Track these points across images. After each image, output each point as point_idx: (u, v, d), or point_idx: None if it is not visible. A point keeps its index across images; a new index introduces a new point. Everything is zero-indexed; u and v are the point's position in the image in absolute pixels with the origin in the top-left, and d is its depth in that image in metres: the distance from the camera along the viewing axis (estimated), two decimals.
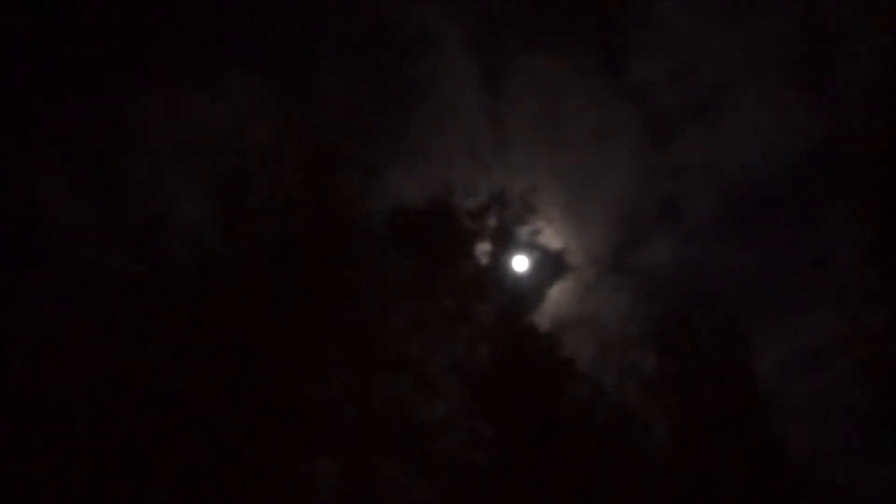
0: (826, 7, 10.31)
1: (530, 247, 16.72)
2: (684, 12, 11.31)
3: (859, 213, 10.91)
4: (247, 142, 12.39)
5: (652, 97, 12.51)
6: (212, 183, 12.03)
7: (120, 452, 10.45)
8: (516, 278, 16.59)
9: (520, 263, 16.52)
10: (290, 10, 12.51)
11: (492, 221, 15.86)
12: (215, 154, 12.16)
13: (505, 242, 16.07)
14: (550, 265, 17.90)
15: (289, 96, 12.90)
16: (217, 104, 12.18)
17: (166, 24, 11.40)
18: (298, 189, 12.55)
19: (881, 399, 10.58)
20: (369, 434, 12.71)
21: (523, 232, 16.43)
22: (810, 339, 11.64)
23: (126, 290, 10.83)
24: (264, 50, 12.57)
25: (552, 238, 17.74)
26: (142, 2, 11.32)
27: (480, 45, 13.34)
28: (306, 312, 12.24)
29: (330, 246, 12.73)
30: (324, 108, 13.29)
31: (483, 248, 15.85)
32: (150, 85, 11.78)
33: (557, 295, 18.53)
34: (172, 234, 11.65)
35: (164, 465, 10.56)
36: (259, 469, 11.07)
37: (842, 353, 11.00)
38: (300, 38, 13.16)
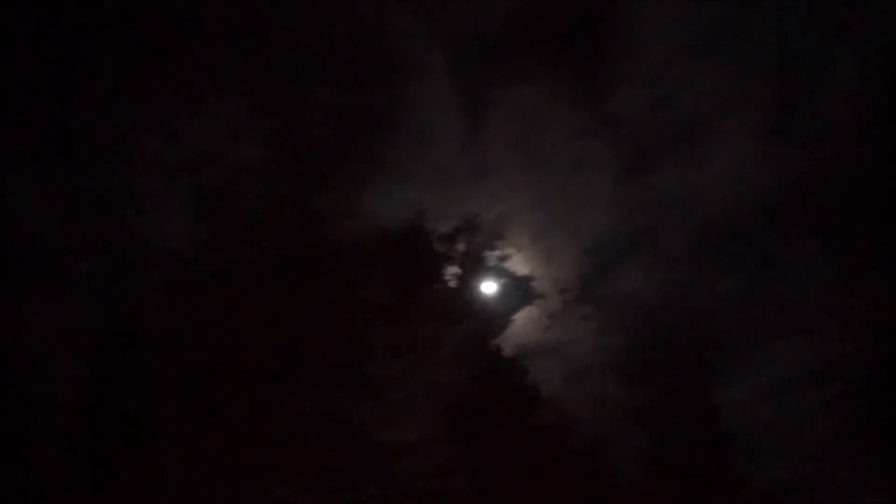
0: (802, 45, 10.83)
1: (499, 273, 16.84)
2: (664, 45, 11.72)
3: (831, 248, 11.42)
4: (231, 160, 12.13)
5: (630, 128, 12.85)
6: (192, 201, 11.72)
7: (78, 474, 9.95)
8: (484, 303, 16.70)
9: (488, 289, 16.61)
10: (277, 30, 12.39)
11: (462, 246, 16.01)
12: (195, 170, 11.86)
13: (474, 267, 16.21)
14: (518, 292, 18.00)
15: (273, 116, 12.78)
16: (202, 121, 11.87)
17: (155, 37, 11.08)
18: (281, 209, 12.38)
19: (850, 432, 10.99)
20: (339, 459, 12.47)
21: (492, 257, 16.56)
22: (781, 370, 12.01)
23: (101, 307, 10.36)
24: (249, 69, 12.39)
25: (521, 265, 17.86)
26: (130, 15, 10.96)
27: (461, 71, 13.45)
28: (282, 333, 12.02)
29: (308, 266, 12.60)
30: (306, 125, 13.20)
31: (453, 272, 15.94)
32: (134, 99, 11.38)
33: (523, 322, 18.60)
34: (151, 251, 11.26)
35: (124, 489, 10.07)
36: (223, 498, 10.69)
37: (812, 385, 11.41)
38: (285, 58, 13.03)
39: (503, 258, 17.32)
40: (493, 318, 17.07)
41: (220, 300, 10.93)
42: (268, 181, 12.41)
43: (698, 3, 11.29)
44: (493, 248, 16.36)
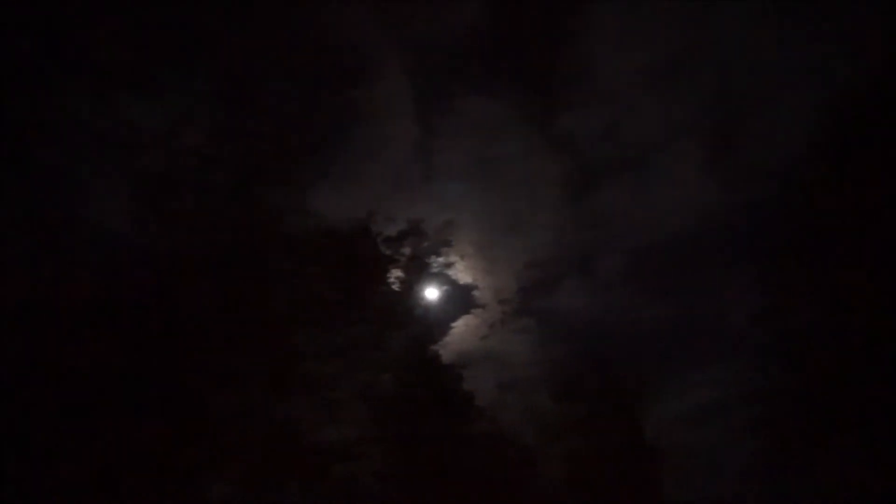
0: (745, 84, 11.45)
1: (442, 279, 17.00)
2: (617, 73, 12.19)
3: (758, 280, 12.03)
4: (177, 145, 11.79)
5: (578, 150, 13.27)
6: (135, 183, 11.33)
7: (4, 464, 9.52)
8: (426, 309, 16.80)
9: (430, 294, 16.75)
10: (236, 18, 12.15)
11: (407, 250, 16.08)
12: (141, 153, 11.49)
13: (418, 272, 16.30)
14: (460, 299, 18.22)
15: (224, 104, 12.49)
16: (146, 101, 11.50)
17: (109, 15, 10.73)
18: (224, 199, 12.09)
19: (768, 456, 11.59)
20: (269, 457, 12.30)
21: (437, 264, 16.71)
22: (705, 394, 12.60)
23: (32, 290, 9.91)
24: (203, 54, 12.09)
25: (464, 273, 18.10)
26: None
27: (418, 78, 13.60)
28: (219, 325, 11.77)
29: (252, 260, 12.34)
30: (258, 118, 12.98)
31: (397, 276, 15.98)
32: (75, 76, 10.94)
33: (463, 330, 18.84)
34: (87, 233, 10.82)
35: (48, 483, 9.70)
36: (151, 492, 10.37)
37: (734, 409, 11.99)
38: (242, 45, 12.80)
39: (447, 265, 17.51)
40: (434, 323, 17.21)
41: (155, 286, 10.57)
42: (213, 170, 12.04)
43: (651, 35, 11.76)
44: (438, 255, 16.51)
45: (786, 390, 11.43)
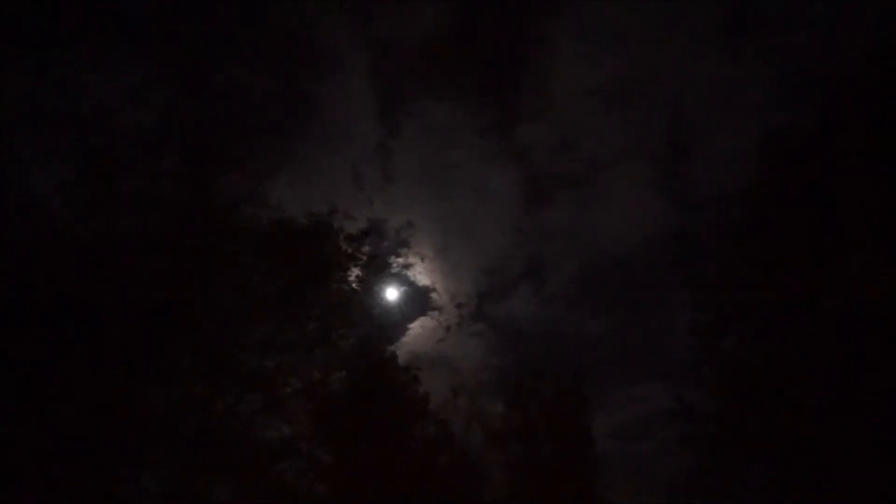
0: (692, 110, 11.56)
1: (400, 280, 16.95)
2: (573, 91, 12.25)
3: (695, 302, 12.18)
4: (124, 122, 11.52)
5: (532, 162, 13.33)
6: (77, 159, 11.05)
7: None
8: (382, 308, 16.71)
9: (388, 294, 16.68)
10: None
11: (366, 249, 15.99)
12: (86, 128, 11.22)
13: (376, 272, 16.22)
14: (417, 301, 18.19)
15: (179, 83, 12.23)
16: (96, 75, 11.23)
17: None
18: (175, 182, 11.84)
19: (695, 469, 11.79)
20: (203, 451, 12.08)
21: (395, 264, 16.66)
22: (641, 407, 12.78)
23: None
24: (161, 28, 11.84)
25: (421, 275, 18.06)
26: None
27: (384, 79, 13.54)
28: (159, 312, 11.51)
29: (199, 247, 12.08)
30: (215, 103, 12.78)
31: (354, 274, 15.87)
32: (16, 43, 10.67)
33: (419, 331, 18.81)
34: (22, 206, 10.53)
35: None
36: (72, 481, 10.12)
37: (666, 424, 12.18)
38: (203, 27, 12.60)
39: (406, 266, 17.46)
40: (390, 324, 17.12)
41: (93, 269, 10.31)
42: (163, 151, 11.77)
43: (608, 56, 11.80)
44: (397, 255, 16.48)
45: (717, 408, 11.61)
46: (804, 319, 10.61)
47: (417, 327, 18.33)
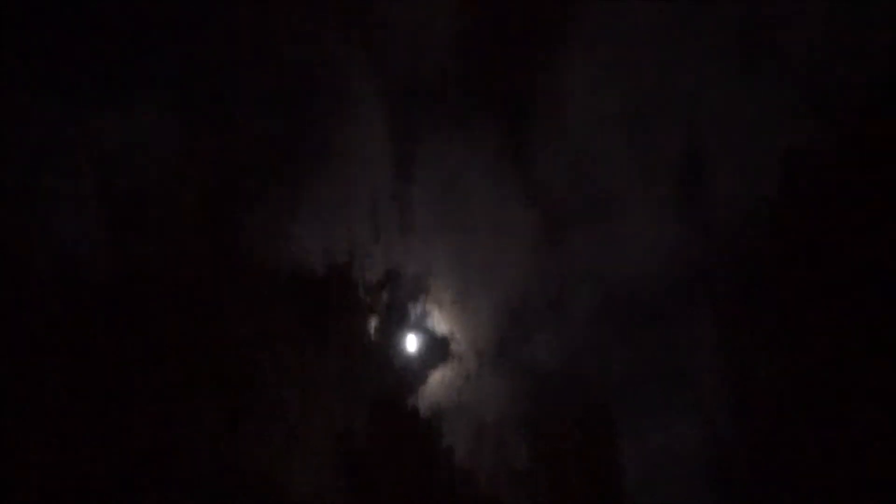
0: (705, 140, 11.71)
1: (418, 328, 16.85)
2: (588, 122, 12.47)
3: (722, 329, 12.04)
4: (145, 162, 11.89)
5: (549, 198, 13.43)
6: (99, 200, 11.39)
7: None
8: (402, 358, 16.61)
9: (407, 344, 16.59)
10: (214, 37, 12.43)
11: (384, 297, 16.05)
12: (106, 169, 11.58)
13: (395, 320, 16.23)
14: (436, 349, 17.99)
15: (197, 122, 12.59)
16: (116, 116, 11.63)
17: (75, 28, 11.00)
18: (197, 222, 12.11)
19: (728, 501, 11.39)
20: (218, 494, 11.89)
21: (414, 312, 16.61)
22: (670, 439, 12.43)
23: None
24: (178, 69, 12.29)
25: (440, 322, 17.94)
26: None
27: (398, 120, 13.88)
28: (180, 355, 11.60)
29: (220, 289, 12.27)
30: (233, 143, 13.05)
31: (373, 324, 15.90)
32: (37, 86, 11.11)
33: (439, 380, 18.51)
34: (44, 249, 10.78)
35: None
36: None
37: (696, 455, 11.86)
38: (218, 67, 13.04)
39: (424, 314, 17.38)
40: (410, 373, 16.96)
41: (113, 310, 10.50)
42: (184, 188, 12.12)
43: (623, 82, 12.06)
44: (415, 303, 16.45)
45: (749, 439, 11.33)
46: (840, 342, 10.48)
47: (437, 376, 18.07)
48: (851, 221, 10.85)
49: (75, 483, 10.11)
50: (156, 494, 10.59)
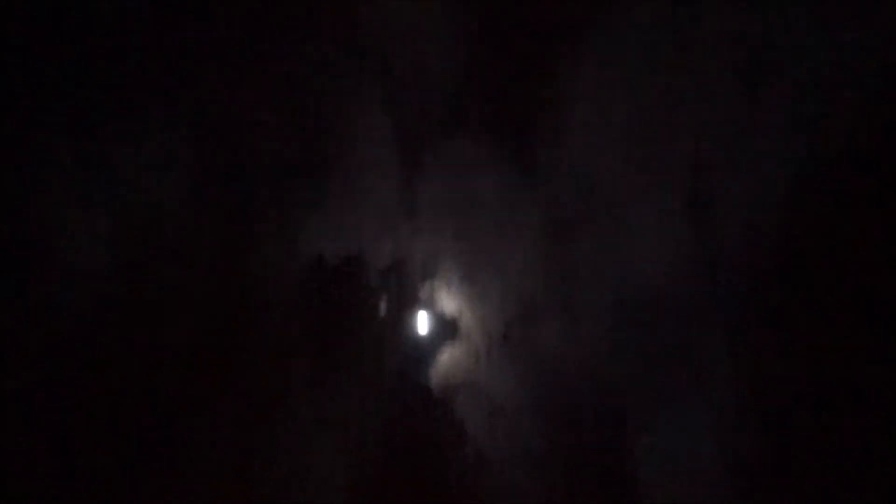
0: (711, 147, 11.73)
1: (427, 310, 17.20)
2: (594, 126, 12.48)
3: (734, 333, 12.25)
4: (158, 186, 12.08)
5: (555, 195, 13.52)
6: (115, 225, 11.63)
7: None
8: (413, 340, 17.02)
9: (417, 326, 16.96)
10: (215, 51, 12.40)
11: (394, 283, 16.35)
12: (121, 196, 11.78)
13: (405, 305, 16.56)
14: (444, 331, 18.38)
15: (210, 142, 12.72)
16: (129, 144, 11.77)
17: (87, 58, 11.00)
18: (211, 238, 12.36)
19: (739, 496, 11.78)
20: (242, 486, 12.46)
21: (422, 296, 16.93)
22: (683, 440, 12.80)
23: (6, 328, 10.15)
24: (185, 91, 12.34)
25: (448, 305, 18.27)
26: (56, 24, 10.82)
27: (403, 116, 13.89)
28: (204, 364, 12.00)
29: (238, 298, 12.59)
30: (245, 157, 13.21)
31: (384, 309, 16.23)
32: (52, 119, 11.19)
33: (448, 361, 18.97)
34: (64, 275, 11.05)
35: None
36: None
37: (709, 457, 12.19)
38: (222, 79, 13.02)
39: (432, 297, 17.70)
40: (421, 355, 17.41)
41: (136, 329, 10.84)
42: (199, 209, 12.34)
43: (631, 89, 12.01)
44: (423, 287, 16.76)
45: (763, 441, 11.63)
46: (855, 346, 10.69)
47: (447, 357, 18.51)
48: (861, 227, 10.94)
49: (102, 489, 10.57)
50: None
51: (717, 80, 11.23)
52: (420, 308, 17.12)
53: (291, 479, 13.09)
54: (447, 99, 13.35)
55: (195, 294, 11.73)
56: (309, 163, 13.68)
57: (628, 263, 11.91)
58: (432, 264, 16.57)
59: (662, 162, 11.56)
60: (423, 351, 17.62)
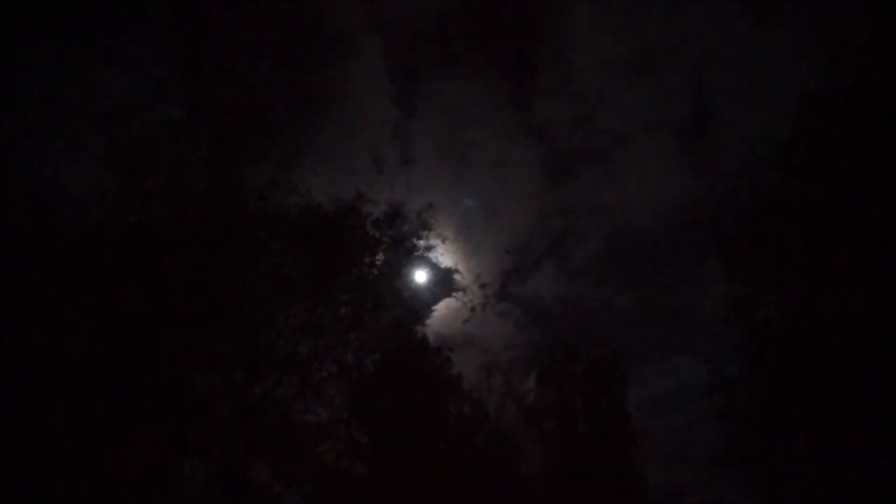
0: (714, 81, 11.43)
1: (423, 262, 17.02)
2: (592, 64, 12.16)
3: (727, 271, 12.08)
4: (151, 117, 11.80)
5: (552, 138, 13.28)
6: (109, 155, 11.38)
7: None
8: (409, 290, 16.88)
9: (413, 277, 16.82)
10: None
11: (388, 232, 16.12)
12: (116, 125, 11.51)
13: (401, 255, 16.37)
14: (441, 282, 18.25)
15: (202, 77, 12.43)
16: (123, 74, 11.47)
17: None
18: (205, 174, 12.10)
19: (732, 442, 11.79)
20: (244, 435, 12.40)
21: (418, 247, 16.73)
22: (676, 381, 12.80)
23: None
24: (179, 26, 12.02)
25: (444, 256, 18.10)
26: None
27: (398, 59, 13.57)
28: (195, 301, 11.78)
29: (231, 236, 12.33)
30: (237, 95, 12.92)
31: (380, 258, 16.03)
32: (46, 46, 10.90)
33: (444, 312, 18.89)
34: (59, 201, 10.83)
35: (22, 459, 9.82)
36: (122, 467, 10.45)
37: (701, 397, 12.18)
38: (219, 22, 12.71)
39: (428, 248, 17.51)
40: (416, 306, 17.29)
41: (124, 261, 10.60)
42: (188, 143, 12.08)
43: (627, 27, 11.67)
44: (419, 238, 16.53)
45: (753, 380, 11.56)
46: (844, 288, 10.51)
47: (443, 308, 18.43)
48: (863, 165, 10.68)
49: (105, 434, 10.46)
50: (182, 443, 11.03)
51: (721, 16, 10.93)
52: (416, 259, 16.97)
53: (290, 423, 13.08)
54: (440, 40, 13.03)
55: (189, 230, 11.47)
56: (301, 106, 13.42)
57: (625, 202, 11.75)
58: (427, 213, 16.34)
59: (663, 100, 11.35)
60: (421, 302, 17.55)
